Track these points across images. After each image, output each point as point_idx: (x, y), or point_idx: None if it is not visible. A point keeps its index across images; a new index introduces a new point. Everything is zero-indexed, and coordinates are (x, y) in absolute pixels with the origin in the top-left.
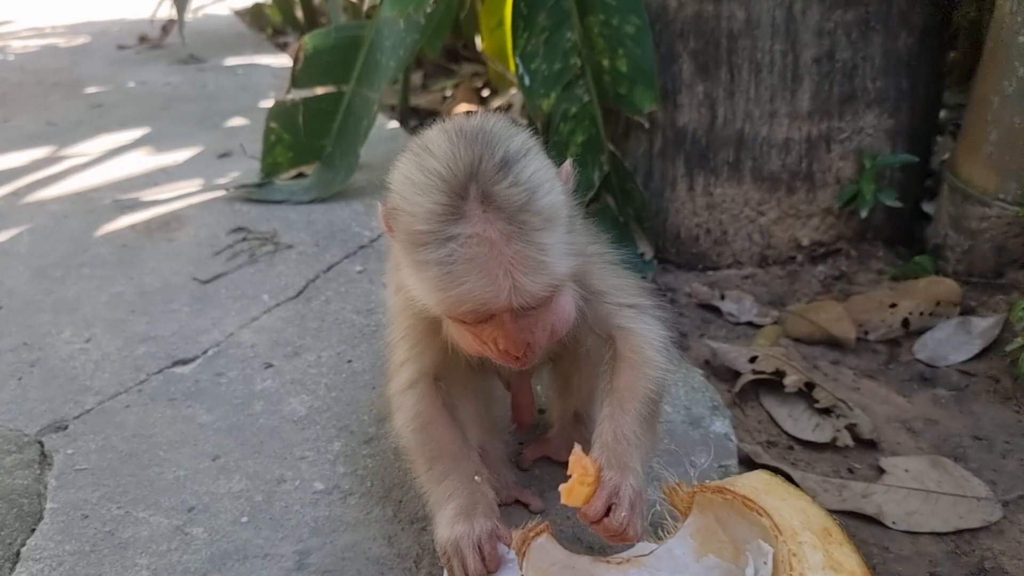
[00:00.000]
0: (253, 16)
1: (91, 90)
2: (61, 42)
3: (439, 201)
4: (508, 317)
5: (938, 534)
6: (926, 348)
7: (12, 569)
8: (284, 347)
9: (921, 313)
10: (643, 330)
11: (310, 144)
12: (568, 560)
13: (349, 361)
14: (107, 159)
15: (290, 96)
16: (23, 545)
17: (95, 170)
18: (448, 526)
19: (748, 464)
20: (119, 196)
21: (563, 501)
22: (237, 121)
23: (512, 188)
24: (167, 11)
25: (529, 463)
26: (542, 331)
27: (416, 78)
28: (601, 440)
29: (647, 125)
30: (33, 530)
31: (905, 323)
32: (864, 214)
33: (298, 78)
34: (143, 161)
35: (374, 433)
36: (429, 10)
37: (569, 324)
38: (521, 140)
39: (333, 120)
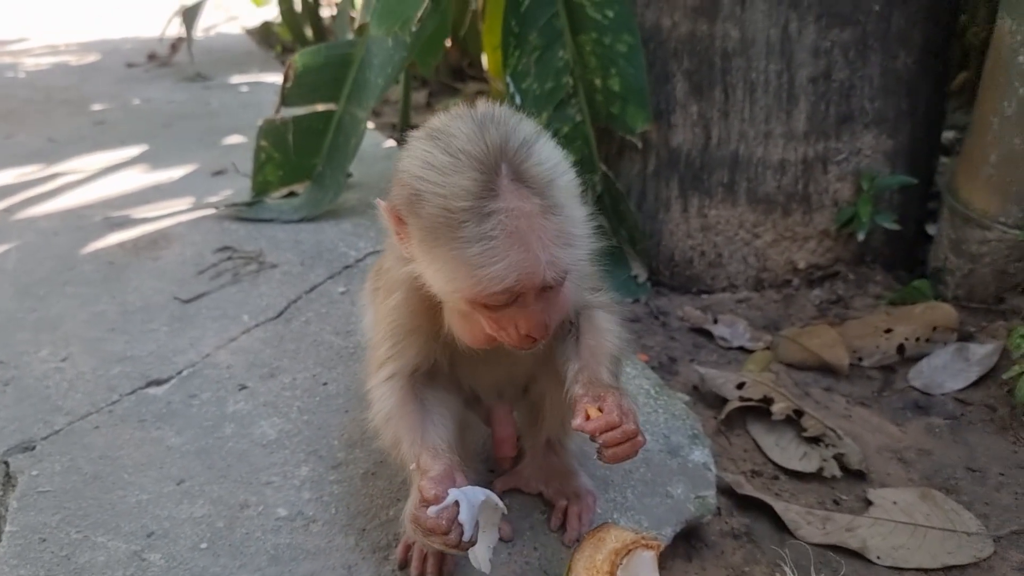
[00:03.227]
0: (262, 34)
1: (96, 107)
2: (72, 59)
3: (474, 178)
4: (532, 296)
5: (925, 570)
6: (922, 375)
7: None
8: (260, 368)
9: (917, 339)
10: (604, 306)
11: (300, 163)
12: None
13: (324, 384)
14: (102, 176)
15: (280, 115)
16: None
17: (89, 187)
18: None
19: (729, 495)
20: (110, 213)
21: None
22: (235, 139)
23: (539, 166)
24: (177, 29)
25: (499, 492)
26: (557, 312)
27: (420, 97)
28: (583, 378)
29: (640, 145)
30: None
31: (900, 349)
32: (861, 237)
33: (288, 96)
34: (138, 178)
35: (343, 458)
36: (415, 28)
37: (568, 308)
38: (530, 124)
39: (324, 139)
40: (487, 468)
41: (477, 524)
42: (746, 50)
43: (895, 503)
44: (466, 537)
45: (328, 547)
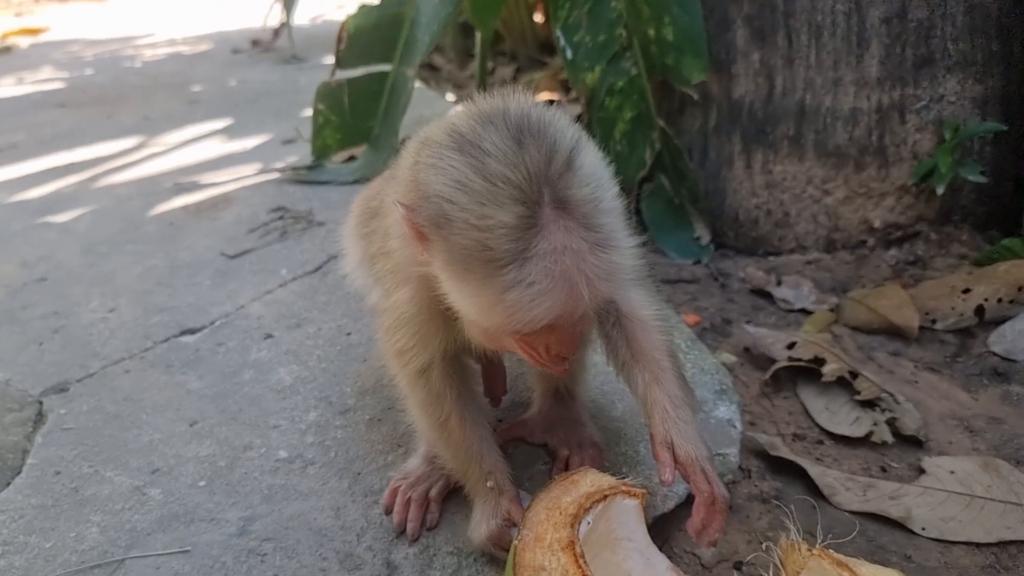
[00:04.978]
0: None
1: (195, 89)
2: (186, 49)
3: (517, 213)
4: (568, 323)
5: (976, 545)
6: (1004, 339)
7: None
8: (289, 319)
9: (999, 300)
10: (639, 290)
11: (357, 125)
12: (646, 548)
13: (348, 334)
14: (183, 147)
15: (335, 77)
16: None
17: (168, 157)
18: (474, 532)
19: (760, 456)
20: (181, 179)
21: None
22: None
23: (583, 188)
24: (279, 16)
25: (502, 442)
26: (588, 327)
27: (507, 72)
28: (660, 408)
29: (696, 97)
30: (9, 483)
31: (979, 311)
32: (940, 190)
33: (342, 59)
34: (215, 148)
35: (352, 405)
36: None
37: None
38: (570, 128)
39: (379, 101)
40: (494, 416)
41: None
42: None
43: (952, 472)
44: None
45: (321, 489)
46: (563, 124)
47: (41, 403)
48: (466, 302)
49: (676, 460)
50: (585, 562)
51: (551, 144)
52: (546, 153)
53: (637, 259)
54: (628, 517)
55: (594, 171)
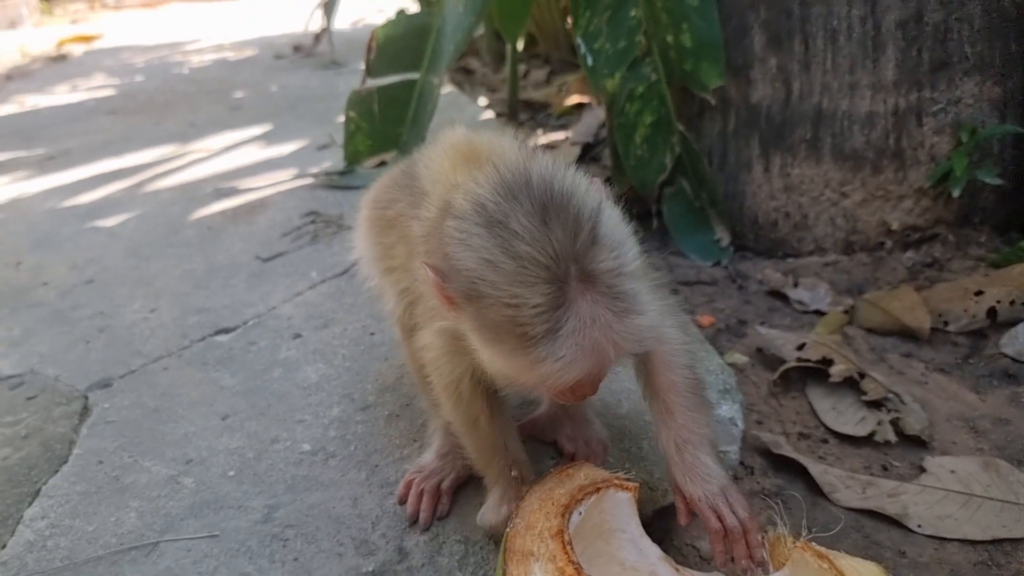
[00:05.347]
0: None
1: (238, 95)
2: (231, 55)
3: (545, 292)
4: (596, 377)
5: (970, 542)
6: (1016, 341)
7: (31, 503)
8: (317, 319)
9: (1012, 302)
10: (667, 319)
11: (386, 132)
12: (638, 538)
13: (372, 334)
14: (224, 153)
15: (366, 85)
16: (45, 483)
17: (210, 163)
18: (492, 513)
19: (763, 454)
20: (221, 185)
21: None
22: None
23: (607, 260)
24: (320, 22)
25: None
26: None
27: (541, 75)
28: (668, 454)
29: (714, 102)
30: (56, 471)
31: (992, 313)
32: (956, 193)
33: (372, 67)
34: (254, 154)
35: (373, 401)
36: None
37: None
38: (591, 192)
39: (408, 108)
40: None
41: None
42: None
43: (952, 472)
44: None
45: (341, 480)
46: (584, 189)
47: (87, 398)
48: (495, 362)
49: (685, 502)
50: (572, 549)
51: (575, 217)
52: (571, 229)
53: (664, 293)
54: (621, 509)
55: (617, 238)
